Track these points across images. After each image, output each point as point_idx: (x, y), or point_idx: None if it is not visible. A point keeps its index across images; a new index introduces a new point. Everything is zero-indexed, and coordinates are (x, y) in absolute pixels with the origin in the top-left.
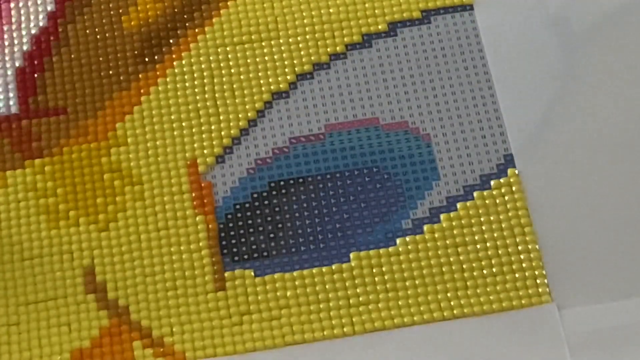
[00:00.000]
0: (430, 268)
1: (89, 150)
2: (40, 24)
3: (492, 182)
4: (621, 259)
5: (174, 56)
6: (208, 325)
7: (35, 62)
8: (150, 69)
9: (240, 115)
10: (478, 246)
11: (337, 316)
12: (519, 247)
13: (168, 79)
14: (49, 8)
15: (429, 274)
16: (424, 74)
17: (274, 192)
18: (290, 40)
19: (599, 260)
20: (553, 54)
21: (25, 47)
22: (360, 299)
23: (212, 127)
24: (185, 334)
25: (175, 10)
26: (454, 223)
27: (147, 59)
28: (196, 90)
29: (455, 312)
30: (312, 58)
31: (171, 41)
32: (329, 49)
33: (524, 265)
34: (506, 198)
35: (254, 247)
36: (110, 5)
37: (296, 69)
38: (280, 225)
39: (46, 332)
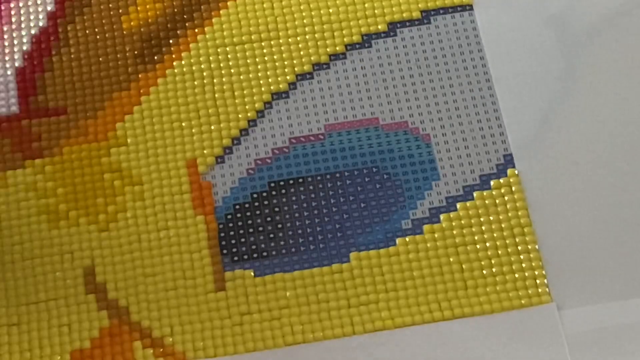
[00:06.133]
0: (430, 268)
1: (89, 150)
2: (40, 24)
3: (492, 182)
4: (621, 259)
5: (173, 56)
6: (208, 325)
7: (35, 62)
8: (150, 69)
9: (240, 116)
10: (478, 246)
11: (337, 316)
12: (519, 247)
13: (168, 79)
14: (49, 8)
15: (428, 274)
16: (423, 74)
17: (274, 192)
18: (290, 40)
19: (599, 260)
20: (553, 54)
21: (25, 47)
22: (360, 299)
23: (212, 127)
24: (185, 334)
25: (175, 10)
26: (453, 223)
27: (147, 59)
28: (196, 90)
29: (455, 312)
30: (312, 58)
31: (171, 41)
32: (328, 49)
33: (523, 265)
34: (506, 198)
35: (253, 247)
36: (110, 5)
37: (296, 69)
38: (280, 225)
39: (46, 333)
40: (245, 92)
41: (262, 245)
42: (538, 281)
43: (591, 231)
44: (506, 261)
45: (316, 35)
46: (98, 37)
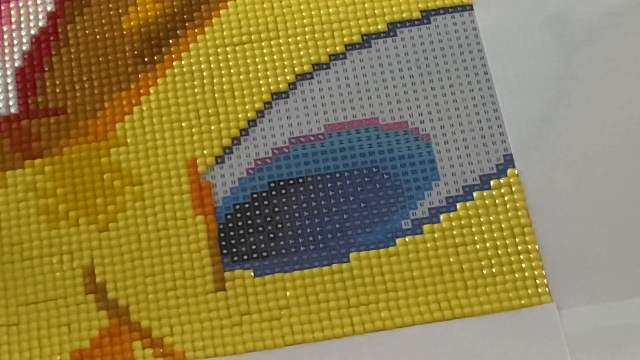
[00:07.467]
0: (430, 268)
1: (89, 150)
2: (40, 24)
3: (491, 182)
4: (621, 259)
5: (173, 56)
6: (208, 325)
7: (35, 62)
8: (150, 69)
9: (240, 116)
10: (478, 246)
11: (337, 316)
12: (519, 247)
13: (168, 79)
14: (49, 8)
15: (428, 274)
16: (423, 74)
17: (274, 192)
18: (289, 40)
19: (599, 260)
20: (553, 54)
21: (25, 47)
22: (360, 299)
23: (212, 127)
24: (185, 334)
25: (175, 10)
26: (453, 223)
27: (147, 59)
28: (196, 90)
29: (455, 312)
30: (312, 58)
31: (171, 41)
32: (328, 49)
33: (523, 265)
34: (506, 198)
35: (253, 247)
36: (110, 5)
37: (296, 69)
38: (280, 225)
39: (46, 332)
40: (245, 92)
41: (262, 245)
42: (538, 281)
43: (591, 231)
44: (506, 261)
45: (316, 35)
46: (98, 37)
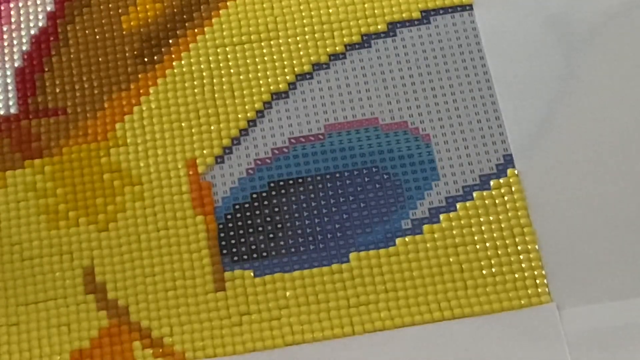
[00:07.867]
0: (430, 268)
1: (88, 150)
2: (40, 24)
3: (491, 183)
4: (621, 259)
5: (173, 56)
6: (208, 325)
7: (35, 62)
8: (150, 69)
9: (239, 116)
10: (477, 246)
11: (337, 316)
12: (519, 247)
13: (168, 79)
14: (48, 8)
15: (428, 274)
16: (423, 74)
17: (274, 193)
18: (289, 40)
19: (599, 260)
20: (553, 54)
21: (25, 47)
22: (360, 299)
23: (212, 128)
24: (185, 334)
25: (175, 10)
26: (453, 223)
27: (146, 59)
28: (196, 90)
29: (455, 312)
30: (312, 58)
31: (171, 41)
32: (328, 49)
33: (523, 265)
34: (506, 198)
35: (253, 247)
36: (110, 6)
37: (295, 69)
38: (279, 226)
39: (46, 333)
40: (245, 92)
41: (262, 245)
42: (538, 281)
43: (591, 231)
44: (506, 261)
45: (316, 35)
46: (98, 37)
